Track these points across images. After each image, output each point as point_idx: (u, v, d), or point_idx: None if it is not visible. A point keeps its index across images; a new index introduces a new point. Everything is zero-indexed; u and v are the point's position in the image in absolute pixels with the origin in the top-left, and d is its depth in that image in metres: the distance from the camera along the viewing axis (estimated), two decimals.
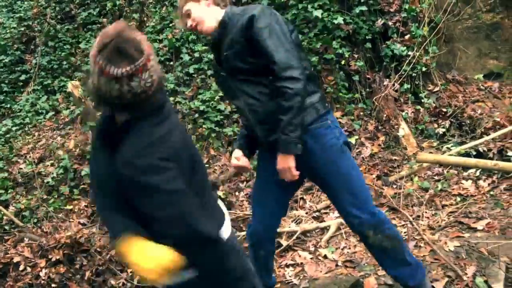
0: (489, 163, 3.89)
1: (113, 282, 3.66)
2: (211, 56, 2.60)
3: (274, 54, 2.17)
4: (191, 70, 5.70)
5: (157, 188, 1.45)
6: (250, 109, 2.35)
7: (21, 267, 3.93)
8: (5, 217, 4.96)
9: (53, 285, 3.63)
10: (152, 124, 1.53)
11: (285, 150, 2.21)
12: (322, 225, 3.86)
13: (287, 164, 2.24)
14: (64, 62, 7.16)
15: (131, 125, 1.53)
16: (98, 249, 3.87)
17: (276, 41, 2.19)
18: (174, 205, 1.48)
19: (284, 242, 3.70)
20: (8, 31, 7.82)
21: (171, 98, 5.67)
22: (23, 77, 7.40)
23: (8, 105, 7.12)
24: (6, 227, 4.90)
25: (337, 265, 3.33)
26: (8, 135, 6.43)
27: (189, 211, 1.52)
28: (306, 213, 4.13)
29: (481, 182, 4.02)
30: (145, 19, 6.85)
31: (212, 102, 5.40)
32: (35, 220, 5.00)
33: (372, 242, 2.44)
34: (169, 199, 1.47)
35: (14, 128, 6.50)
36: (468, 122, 4.86)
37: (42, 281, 3.66)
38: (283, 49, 2.19)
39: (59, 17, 7.78)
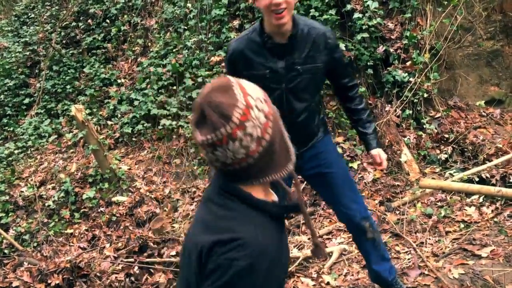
0: (492, 189, 3.87)
1: None
2: (269, 62, 2.40)
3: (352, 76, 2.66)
4: (194, 95, 5.74)
5: None
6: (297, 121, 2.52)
7: None
8: (5, 241, 4.93)
9: None
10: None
11: (377, 141, 2.74)
12: (325, 251, 3.83)
13: (381, 151, 2.70)
14: (68, 86, 7.22)
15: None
16: (98, 274, 3.83)
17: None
18: None
19: None
20: (13, 55, 7.92)
21: (174, 122, 5.70)
22: (26, 100, 7.46)
23: (11, 128, 7.15)
24: (6, 251, 4.87)
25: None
26: (10, 158, 6.45)
27: None
28: (308, 238, 4.10)
29: (484, 209, 3.99)
30: (149, 44, 6.93)
31: None
32: (35, 244, 4.97)
33: (368, 236, 2.72)
34: None
35: (16, 151, 6.52)
36: (470, 148, 4.86)
37: None
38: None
39: (64, 41, 7.88)
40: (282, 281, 1.33)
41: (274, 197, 1.40)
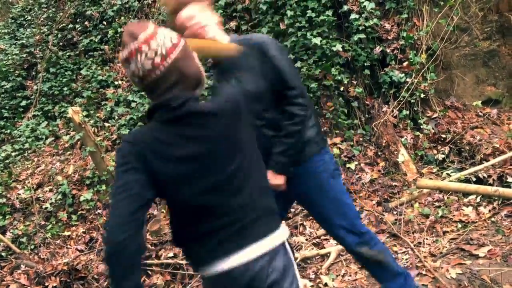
0: (489, 189, 3.88)
1: None
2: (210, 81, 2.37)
3: (293, 80, 2.27)
4: None
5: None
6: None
7: None
8: (2, 243, 4.92)
9: None
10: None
11: (281, 171, 2.32)
12: (323, 251, 3.82)
13: (281, 181, 2.34)
14: (65, 88, 7.21)
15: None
16: (96, 276, 3.82)
17: (293, 69, 2.32)
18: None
19: None
20: (10, 57, 7.91)
21: None
22: (23, 103, 7.44)
23: (8, 131, 7.14)
24: (3, 254, 4.86)
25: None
26: (7, 161, 6.43)
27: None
28: (306, 239, 4.10)
29: (481, 209, 4.00)
30: None
31: None
32: (32, 247, 4.95)
33: (368, 258, 2.54)
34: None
35: (13, 154, 6.51)
36: (468, 148, 4.87)
37: None
38: (299, 78, 2.34)
39: (60, 44, 7.87)
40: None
41: None
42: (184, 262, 3.94)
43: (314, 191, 2.45)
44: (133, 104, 6.16)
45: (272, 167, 2.30)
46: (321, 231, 4.16)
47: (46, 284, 3.76)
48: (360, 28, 5.23)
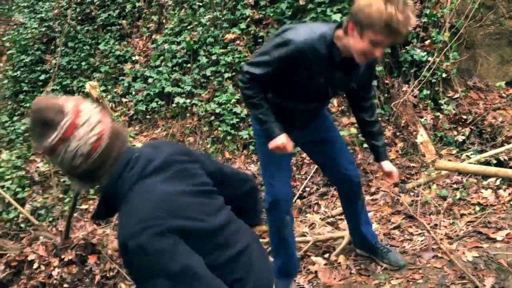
0: (510, 172, 3.79)
1: (123, 286, 3.65)
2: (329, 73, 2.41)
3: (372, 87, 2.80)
4: (208, 73, 5.70)
5: None
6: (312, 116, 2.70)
7: (35, 265, 3.95)
8: (21, 215, 5.01)
9: (65, 285, 3.63)
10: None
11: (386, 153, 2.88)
12: (336, 235, 3.75)
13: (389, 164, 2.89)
14: (83, 63, 7.23)
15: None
16: (110, 252, 3.87)
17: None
18: None
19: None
20: (29, 31, 7.94)
21: (187, 100, 5.68)
22: (42, 77, 7.50)
23: (28, 104, 7.22)
24: (22, 225, 4.95)
25: (351, 273, 3.27)
26: (26, 134, 6.52)
27: None
28: (321, 218, 4.08)
29: (501, 192, 3.92)
30: (164, 21, 6.88)
31: (228, 105, 5.38)
32: (51, 219, 5.04)
33: (361, 196, 3.02)
34: None
35: None
36: (489, 130, 4.76)
37: (55, 281, 3.67)
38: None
39: (79, 18, 7.87)
40: None
41: None
42: None
43: (329, 129, 2.83)
44: (150, 80, 6.16)
45: (386, 157, 2.80)
46: (336, 210, 4.14)
47: (63, 256, 3.82)
48: None
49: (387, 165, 2.78)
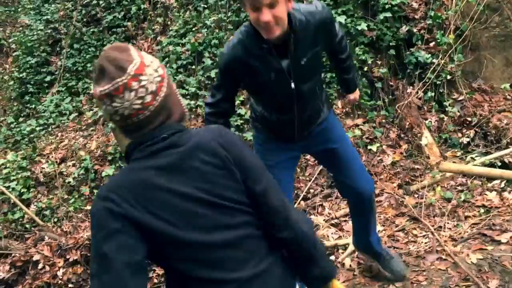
0: None
1: None
2: (272, 65, 2.24)
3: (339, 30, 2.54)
4: (212, 74, 5.71)
5: None
6: (304, 123, 2.53)
7: (40, 266, 3.97)
8: (26, 216, 5.04)
9: (70, 285, 3.65)
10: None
11: (355, 88, 2.88)
12: (341, 242, 3.71)
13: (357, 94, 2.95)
14: (89, 64, 7.26)
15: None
16: None
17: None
18: None
19: None
20: (35, 33, 7.98)
21: (192, 102, 5.69)
22: (48, 78, 7.53)
23: (33, 106, 7.25)
24: (27, 226, 4.98)
25: (354, 274, 3.27)
26: (32, 135, 6.55)
27: None
28: (324, 220, 4.08)
29: (506, 194, 3.91)
30: (169, 23, 6.90)
31: None
32: (55, 220, 5.06)
33: (374, 210, 2.86)
34: None
35: (38, 128, 6.62)
36: (494, 132, 4.75)
37: (60, 281, 3.68)
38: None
39: (84, 20, 7.90)
40: None
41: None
42: None
43: (332, 141, 2.64)
44: None
45: (354, 86, 2.85)
46: (340, 212, 4.13)
47: (68, 256, 3.85)
48: (386, 6, 5.10)
49: (352, 97, 2.94)
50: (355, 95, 2.91)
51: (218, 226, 1.41)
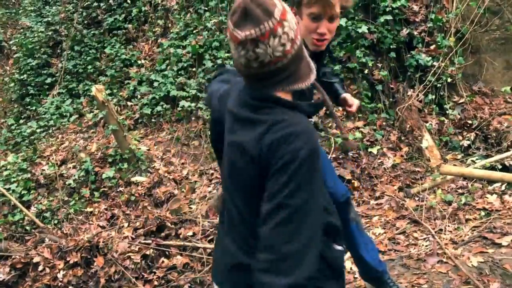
0: None
1: None
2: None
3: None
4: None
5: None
6: None
7: (40, 268, 3.97)
8: (26, 218, 5.03)
9: (70, 287, 3.64)
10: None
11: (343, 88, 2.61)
12: None
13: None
14: (89, 66, 7.26)
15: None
16: (115, 255, 3.88)
17: None
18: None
19: None
20: (36, 35, 7.98)
21: (193, 104, 5.70)
22: (49, 80, 7.53)
23: (34, 107, 7.25)
24: (28, 228, 4.97)
25: (355, 277, 3.26)
26: (32, 137, 6.55)
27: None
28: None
29: (506, 197, 3.91)
30: (170, 25, 6.91)
31: None
32: (56, 222, 5.06)
33: (351, 215, 2.57)
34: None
35: (38, 130, 6.62)
36: (494, 135, 4.75)
37: (60, 283, 3.68)
38: None
39: (85, 22, 7.91)
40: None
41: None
42: (201, 244, 3.97)
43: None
44: (155, 84, 6.18)
45: (344, 90, 2.55)
46: None
47: (68, 259, 3.84)
48: (387, 9, 5.10)
49: (348, 96, 2.54)
50: (353, 99, 2.61)
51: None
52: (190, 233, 4.13)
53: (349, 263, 3.42)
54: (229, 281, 1.52)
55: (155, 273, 3.87)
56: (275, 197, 1.25)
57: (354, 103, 2.47)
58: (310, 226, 1.25)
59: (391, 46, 5.13)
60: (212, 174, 5.17)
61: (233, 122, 1.43)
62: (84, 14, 7.95)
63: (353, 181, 4.47)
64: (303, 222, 1.24)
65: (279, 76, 1.33)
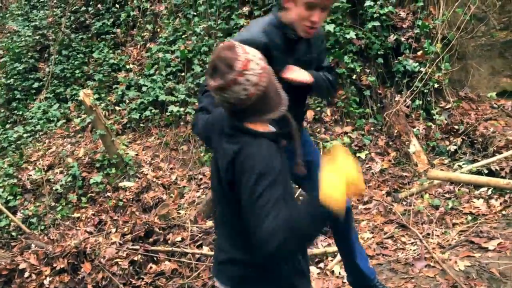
0: (501, 181, 3.83)
1: None
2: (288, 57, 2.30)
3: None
4: (202, 82, 5.71)
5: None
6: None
7: (26, 274, 3.91)
8: (12, 223, 4.98)
9: None
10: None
11: (317, 79, 2.38)
12: (330, 250, 3.69)
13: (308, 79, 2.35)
14: (77, 71, 7.22)
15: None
16: (102, 261, 3.84)
17: None
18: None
19: None
20: (23, 39, 7.92)
21: (181, 109, 5.68)
22: (36, 84, 7.47)
23: (20, 112, 7.19)
24: (14, 233, 4.92)
25: (344, 282, 3.27)
26: (19, 142, 6.48)
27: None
28: None
29: (492, 201, 3.95)
30: (158, 30, 6.90)
31: None
32: (42, 227, 5.01)
33: (352, 224, 2.65)
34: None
35: (25, 135, 6.55)
36: (480, 140, 4.80)
37: None
38: None
39: (73, 26, 7.87)
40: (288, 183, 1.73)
41: (272, 129, 1.77)
42: (190, 249, 3.95)
43: (315, 152, 2.66)
44: (144, 88, 6.16)
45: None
46: None
47: (55, 265, 3.80)
48: (375, 15, 5.15)
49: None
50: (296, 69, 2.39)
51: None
52: (179, 239, 4.11)
53: (337, 268, 3.43)
54: (224, 274, 1.81)
55: (143, 279, 3.84)
56: (244, 200, 1.60)
57: (293, 71, 2.30)
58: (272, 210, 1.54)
59: (379, 52, 5.17)
60: (201, 179, 5.16)
61: (217, 142, 1.78)
62: (72, 18, 7.91)
63: None
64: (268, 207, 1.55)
65: (246, 113, 1.65)
